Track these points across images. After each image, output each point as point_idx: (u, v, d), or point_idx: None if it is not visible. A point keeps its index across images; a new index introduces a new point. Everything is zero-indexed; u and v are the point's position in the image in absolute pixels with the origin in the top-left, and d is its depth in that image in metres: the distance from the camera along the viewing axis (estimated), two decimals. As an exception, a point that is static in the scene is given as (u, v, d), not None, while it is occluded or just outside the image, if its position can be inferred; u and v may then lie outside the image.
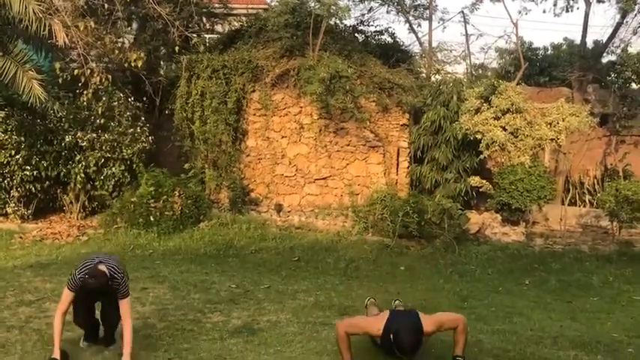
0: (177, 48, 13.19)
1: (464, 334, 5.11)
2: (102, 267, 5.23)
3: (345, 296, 7.66)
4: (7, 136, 11.82)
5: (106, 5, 13.53)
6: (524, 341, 5.93)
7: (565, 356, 5.51)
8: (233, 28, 16.99)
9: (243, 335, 5.91)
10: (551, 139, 11.70)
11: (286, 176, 14.38)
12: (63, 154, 12.30)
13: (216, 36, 17.04)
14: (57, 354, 5.01)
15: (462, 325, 5.10)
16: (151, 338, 5.75)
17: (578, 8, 16.14)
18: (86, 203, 12.71)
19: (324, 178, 14.22)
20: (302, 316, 6.69)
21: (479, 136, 11.88)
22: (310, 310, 6.96)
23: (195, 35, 16.42)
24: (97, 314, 5.64)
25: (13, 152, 11.92)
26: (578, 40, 16.77)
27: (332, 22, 14.95)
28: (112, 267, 5.24)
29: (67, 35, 11.27)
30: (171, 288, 7.80)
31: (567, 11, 16.42)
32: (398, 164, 14.06)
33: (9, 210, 12.35)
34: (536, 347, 5.75)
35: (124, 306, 5.20)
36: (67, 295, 5.24)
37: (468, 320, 6.57)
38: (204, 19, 16.82)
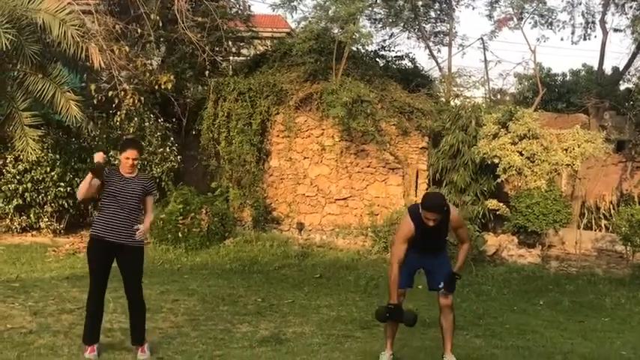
0: (207, 72, 13.75)
1: (465, 253, 5.86)
2: None
3: (366, 311, 8.02)
4: (43, 154, 12.34)
5: (139, 30, 14.15)
6: (536, 356, 6.25)
7: (575, 371, 5.83)
8: (258, 52, 17.57)
9: (271, 344, 6.31)
10: (567, 165, 12.04)
11: (307, 196, 14.83)
12: (96, 171, 12.81)
13: (242, 59, 17.61)
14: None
15: (467, 245, 5.87)
16: (186, 345, 6.17)
17: (595, 36, 16.57)
18: (115, 219, 13.21)
19: (344, 199, 14.65)
20: (325, 328, 7.08)
21: (496, 161, 12.26)
22: (333, 324, 7.34)
23: (221, 58, 17.02)
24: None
25: (48, 169, 12.49)
26: (596, 67, 17.16)
27: (354, 48, 15.48)
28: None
29: (102, 58, 11.89)
30: (201, 300, 8.23)
31: (585, 39, 16.88)
32: (417, 186, 14.46)
33: (42, 224, 12.90)
34: (546, 362, 6.09)
35: (149, 201, 5.89)
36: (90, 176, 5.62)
37: (483, 337, 7.02)
38: (230, 43, 17.37)
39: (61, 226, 13.03)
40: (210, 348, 6.14)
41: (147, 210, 5.92)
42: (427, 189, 14.24)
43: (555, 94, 23.86)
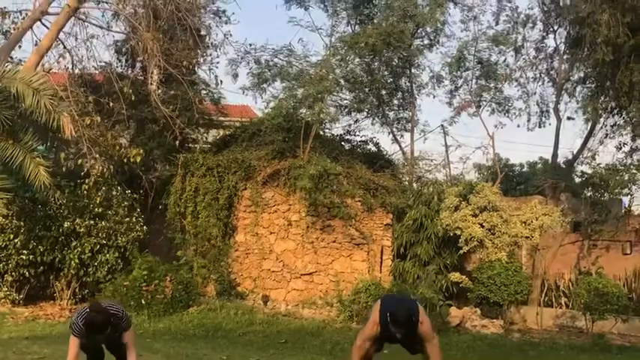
0: (177, 143, 14.07)
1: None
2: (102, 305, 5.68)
3: (332, 367, 8.03)
4: (7, 221, 12.26)
5: (111, 104, 14.47)
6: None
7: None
8: (227, 133, 18.00)
9: (237, 387, 6.27)
10: (526, 237, 12.42)
11: (273, 271, 14.85)
12: (60, 239, 12.69)
13: (211, 139, 17.98)
14: None
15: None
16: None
17: (550, 124, 17.39)
18: (77, 290, 12.99)
19: (309, 274, 14.71)
20: (292, 377, 7.07)
21: (458, 232, 12.60)
22: (299, 375, 7.33)
23: (191, 140, 17.36)
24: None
25: (11, 236, 12.33)
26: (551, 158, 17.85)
27: (321, 132, 16.06)
28: (110, 305, 5.69)
29: (74, 129, 12.11)
30: (165, 356, 8.17)
31: (540, 127, 17.67)
32: (382, 262, 14.64)
33: (1, 294, 12.59)
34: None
35: (128, 336, 5.63)
36: (74, 341, 5.59)
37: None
38: (200, 124, 17.75)
39: (21, 296, 12.73)
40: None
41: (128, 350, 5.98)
42: (391, 264, 14.43)
43: (513, 184, 24.66)
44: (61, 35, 14.58)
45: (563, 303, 14.60)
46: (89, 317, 5.44)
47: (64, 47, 14.91)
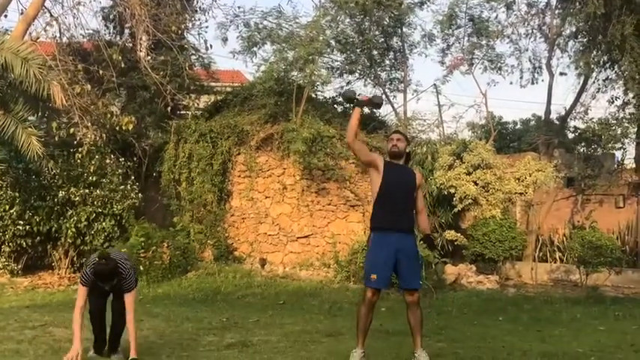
0: (168, 110, 13.96)
1: (425, 218, 6.34)
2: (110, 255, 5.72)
3: (331, 326, 8.13)
4: (2, 192, 12.27)
5: (101, 72, 14.34)
6: (496, 353, 6.44)
7: (533, 362, 6.02)
8: (219, 98, 17.89)
9: (237, 347, 6.38)
10: (520, 193, 12.50)
11: (269, 235, 14.90)
12: (55, 209, 12.71)
13: (203, 104, 17.88)
14: (78, 344, 5.39)
15: (425, 213, 6.33)
16: (153, 349, 6.19)
17: (542, 80, 17.34)
18: (75, 259, 13.06)
19: (306, 237, 14.76)
20: (291, 337, 7.16)
21: (452, 190, 12.65)
22: (298, 335, 7.42)
23: (182, 106, 17.26)
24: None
25: (7, 207, 12.37)
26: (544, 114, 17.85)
27: (313, 95, 15.95)
28: (119, 259, 5.70)
29: (64, 97, 12.02)
30: (165, 320, 8.25)
31: (532, 83, 17.62)
32: (377, 222, 14.68)
33: (-1, 265, 12.68)
34: (507, 356, 6.27)
35: (129, 298, 5.67)
36: (82, 291, 5.62)
37: (445, 341, 7.18)
38: (191, 89, 17.65)
39: (19, 266, 12.81)
40: (177, 351, 6.17)
41: (128, 315, 5.77)
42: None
43: (507, 142, 24.66)
44: (47, 3, 14.40)
45: (557, 257, 14.77)
46: (98, 266, 5.48)
47: (51, 15, 14.73)
